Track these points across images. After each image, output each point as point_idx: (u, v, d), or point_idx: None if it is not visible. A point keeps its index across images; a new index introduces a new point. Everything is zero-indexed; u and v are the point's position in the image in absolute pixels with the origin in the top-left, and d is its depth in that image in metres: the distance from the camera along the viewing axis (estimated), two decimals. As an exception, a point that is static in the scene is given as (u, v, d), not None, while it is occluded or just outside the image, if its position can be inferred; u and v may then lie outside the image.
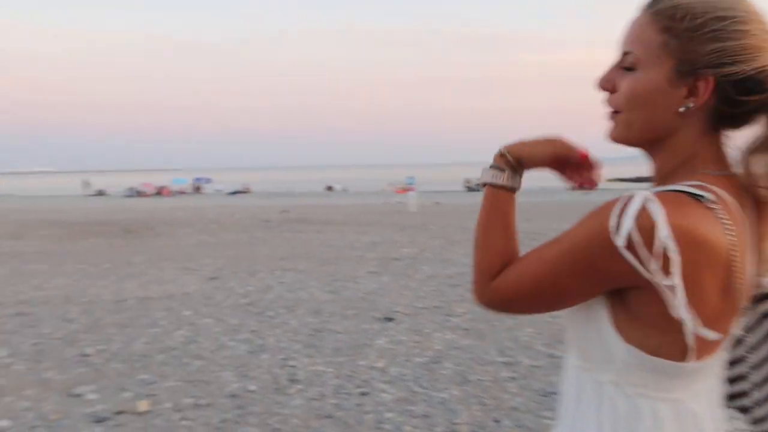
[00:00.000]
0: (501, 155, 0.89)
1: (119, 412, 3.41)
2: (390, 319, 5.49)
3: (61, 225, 16.88)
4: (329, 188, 48.49)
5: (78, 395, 3.67)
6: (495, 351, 4.54)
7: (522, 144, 0.89)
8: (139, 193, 44.65)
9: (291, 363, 4.29)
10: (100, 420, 3.30)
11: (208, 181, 52.30)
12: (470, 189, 43.58)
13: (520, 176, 0.89)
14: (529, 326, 5.12)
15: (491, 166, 0.89)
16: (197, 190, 48.60)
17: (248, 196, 41.33)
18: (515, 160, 0.88)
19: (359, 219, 17.31)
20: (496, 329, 5.11)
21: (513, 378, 3.97)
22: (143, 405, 3.49)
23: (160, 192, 44.89)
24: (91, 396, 3.65)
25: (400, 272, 8.06)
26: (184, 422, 3.29)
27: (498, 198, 0.88)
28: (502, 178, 0.87)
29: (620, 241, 0.69)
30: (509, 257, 0.85)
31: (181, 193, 46.83)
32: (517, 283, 0.82)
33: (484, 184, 0.89)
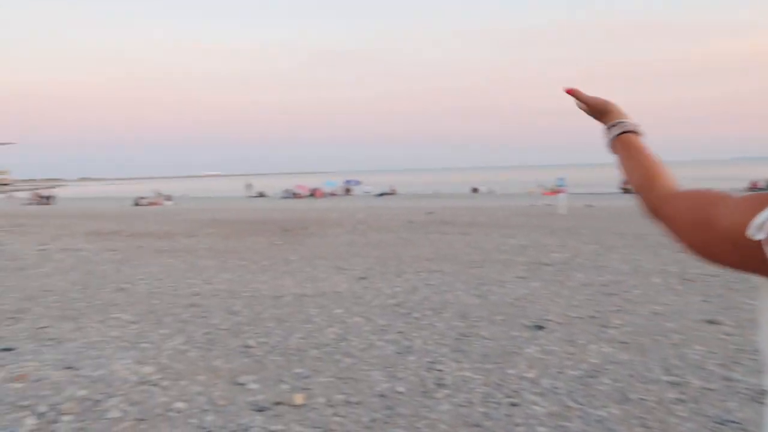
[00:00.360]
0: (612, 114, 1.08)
1: (277, 403, 3.61)
2: (540, 327, 5.27)
3: (227, 224, 18.48)
4: (474, 190, 48.06)
5: (242, 384, 3.94)
6: (659, 368, 4.16)
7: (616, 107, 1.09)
8: (295, 195, 47.53)
9: (438, 367, 4.26)
10: (260, 409, 3.51)
11: (357, 183, 54.28)
12: (626, 191, 40.82)
13: None
14: (698, 343, 4.63)
15: (612, 125, 1.06)
16: (347, 192, 50.69)
17: (394, 198, 42.28)
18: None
19: (506, 221, 16.93)
20: (659, 344, 4.69)
21: (681, 400, 3.60)
22: (299, 398, 3.66)
23: (313, 194, 47.43)
24: (253, 386, 3.90)
25: (550, 278, 7.73)
26: (336, 418, 3.40)
27: (636, 138, 1.03)
28: (628, 126, 1.04)
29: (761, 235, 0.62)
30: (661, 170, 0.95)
31: (333, 194, 49.09)
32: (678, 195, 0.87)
33: (621, 133, 1.04)
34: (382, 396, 3.73)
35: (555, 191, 25.46)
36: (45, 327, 5.45)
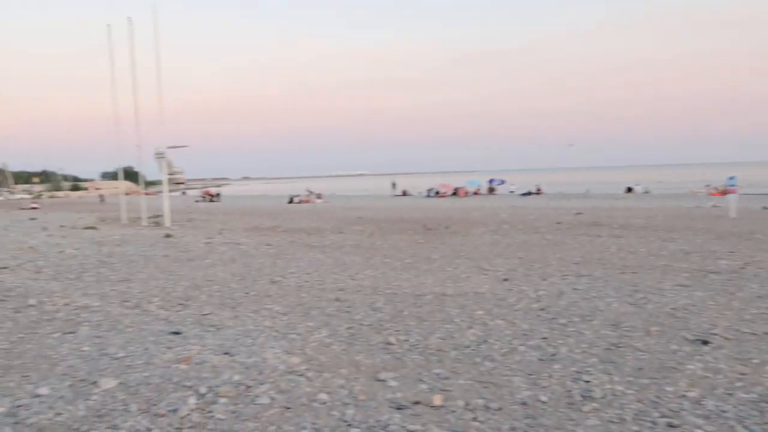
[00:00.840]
0: None
1: (416, 402, 3.60)
2: (705, 342, 4.75)
3: (372, 222, 19.02)
4: (629, 190, 44.95)
5: (382, 380, 3.99)
6: None
7: None
8: (438, 194, 47.78)
9: (585, 378, 4.00)
10: (399, 407, 3.53)
11: (502, 182, 53.23)
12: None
13: None
14: None
15: None
16: (491, 191, 49.91)
17: (541, 198, 40.88)
18: None
19: (665, 224, 15.61)
20: None
21: None
22: (437, 399, 3.62)
23: (456, 193, 47.34)
24: (393, 383, 3.94)
25: (717, 288, 6.96)
26: (475, 423, 3.32)
27: None
28: None
29: None
30: None
31: (476, 193, 48.64)
32: None
33: None
34: (523, 404, 3.58)
35: (724, 191, 23.06)
36: (208, 314, 5.96)
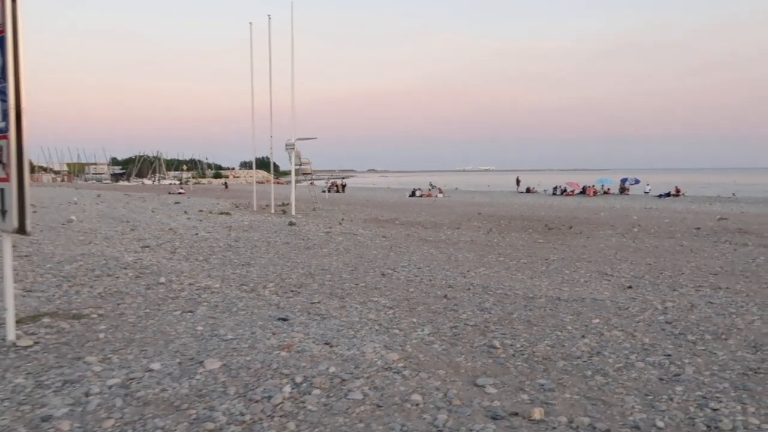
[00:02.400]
0: None
1: (513, 414, 3.36)
2: None
3: (491, 218, 18.58)
4: (786, 194, 40.26)
5: (480, 386, 3.79)
6: None
7: None
8: (564, 192, 45.81)
9: (713, 405, 3.53)
10: (495, 417, 3.31)
11: (636, 182, 49.90)
12: None
13: None
14: None
15: None
16: (623, 191, 46.97)
17: (679, 200, 37.76)
18: None
19: (828, 234, 13.70)
20: None
21: None
22: (538, 413, 3.36)
23: (584, 191, 45.11)
24: (491, 390, 3.72)
25: None
26: (576, 444, 3.02)
27: None
28: None
29: None
30: None
31: (606, 193, 46.03)
32: None
33: None
34: (635, 428, 3.21)
35: None
36: (316, 302, 6.06)
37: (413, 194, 44.58)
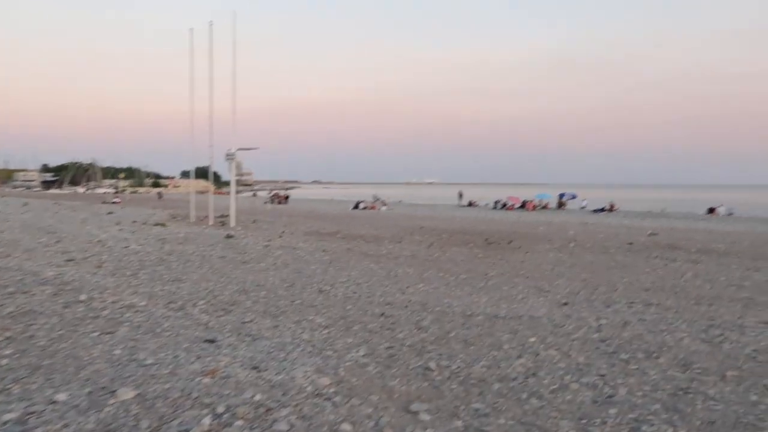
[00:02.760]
0: None
1: (447, 443, 3.23)
2: (792, 395, 4.11)
3: (433, 232, 18.63)
4: (711, 210, 42.31)
5: (414, 412, 3.64)
6: None
7: None
8: (505, 206, 46.71)
9: (645, 428, 3.50)
10: (427, 447, 3.17)
11: (573, 197, 51.37)
12: None
13: None
14: None
15: None
16: (561, 206, 48.29)
17: (614, 215, 39.12)
18: None
19: (750, 250, 14.39)
20: None
21: None
22: (471, 441, 3.24)
23: (524, 206, 46.13)
24: (425, 416, 3.58)
25: (808, 328, 6.17)
26: (509, 475, 2.91)
27: None
28: None
29: None
30: None
31: (545, 208, 47.20)
32: None
33: None
34: (569, 455, 3.13)
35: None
36: (248, 322, 5.78)
37: (357, 207, 44.44)
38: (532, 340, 5.45)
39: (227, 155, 19.14)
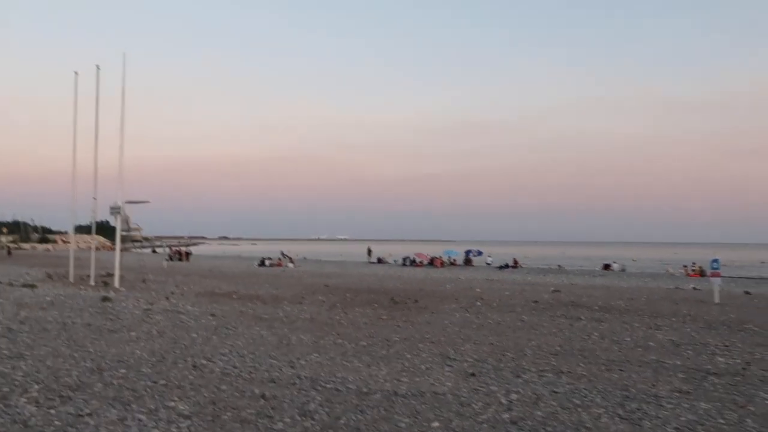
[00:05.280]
0: None
1: None
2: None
3: (338, 291, 17.70)
4: (606, 267, 44.24)
5: None
6: None
7: None
8: (413, 263, 46.61)
9: None
10: None
11: (479, 253, 52.27)
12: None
13: None
14: None
15: None
16: (468, 262, 48.88)
17: (517, 271, 39.90)
18: None
19: (648, 307, 14.55)
20: None
21: None
22: None
23: (432, 262, 46.25)
24: None
25: (722, 396, 5.80)
26: None
27: None
28: None
29: None
30: None
31: (453, 264, 47.56)
32: None
33: None
34: None
35: (709, 273, 22.33)
36: (86, 414, 4.60)
37: (263, 263, 42.73)
38: (435, 425, 4.64)
39: (112, 209, 17.48)
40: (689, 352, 8.32)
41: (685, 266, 40.42)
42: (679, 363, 7.48)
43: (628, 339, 9.43)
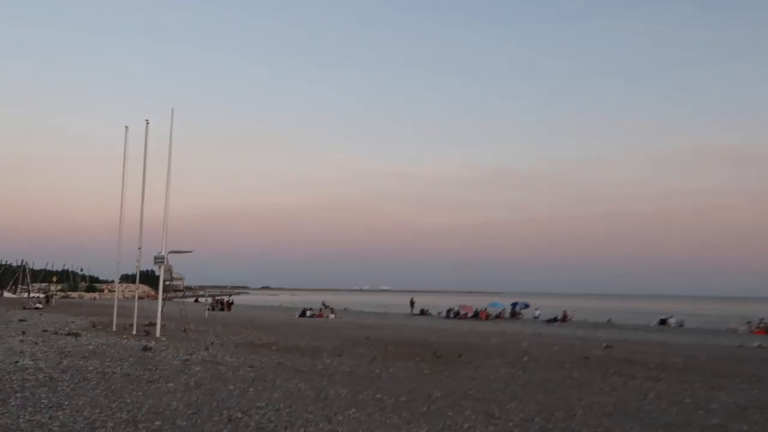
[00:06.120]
0: None
1: None
2: None
3: (379, 343, 17.49)
4: (663, 321, 42.42)
5: None
6: None
7: None
8: (458, 315, 45.86)
9: None
10: None
11: (526, 306, 51.05)
12: None
13: None
14: None
15: None
16: (514, 315, 47.75)
17: (566, 326, 38.70)
18: None
19: (709, 366, 13.81)
20: None
21: None
22: None
23: (477, 315, 45.38)
24: None
25: (796, 467, 5.36)
26: None
27: None
28: None
29: None
30: None
31: (498, 317, 46.53)
32: None
33: None
34: None
35: (771, 331, 21.16)
36: (118, 467, 4.58)
37: (303, 314, 42.80)
38: (478, 489, 4.42)
39: (156, 258, 17.92)
40: (757, 416, 7.79)
41: (749, 322, 38.43)
42: (746, 428, 7.00)
43: (688, 400, 8.92)
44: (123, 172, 20.22)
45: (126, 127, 20.40)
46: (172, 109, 19.00)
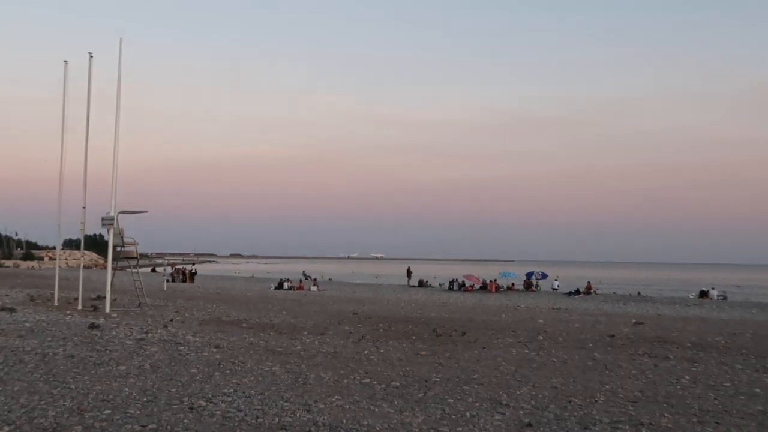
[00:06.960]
0: None
1: None
2: None
3: (368, 320, 17.69)
4: (703, 294, 43.10)
5: None
6: None
7: None
8: (463, 287, 46.35)
9: None
10: None
11: (543, 276, 51.65)
12: None
13: None
14: None
15: None
16: (529, 287, 48.36)
17: (591, 299, 39.24)
18: None
19: (754, 345, 14.09)
20: None
21: None
22: None
23: (485, 287, 45.89)
24: None
25: None
26: None
27: None
28: None
29: None
30: None
31: (510, 289, 47.10)
32: None
33: None
34: None
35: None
36: (60, 463, 4.66)
37: (280, 286, 43.17)
38: (480, 486, 4.54)
39: (104, 220, 17.87)
40: (806, 402, 7.98)
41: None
42: (792, 416, 7.17)
43: (728, 384, 9.12)
44: (63, 116, 19.94)
45: (65, 61, 20.04)
46: (121, 40, 18.65)
